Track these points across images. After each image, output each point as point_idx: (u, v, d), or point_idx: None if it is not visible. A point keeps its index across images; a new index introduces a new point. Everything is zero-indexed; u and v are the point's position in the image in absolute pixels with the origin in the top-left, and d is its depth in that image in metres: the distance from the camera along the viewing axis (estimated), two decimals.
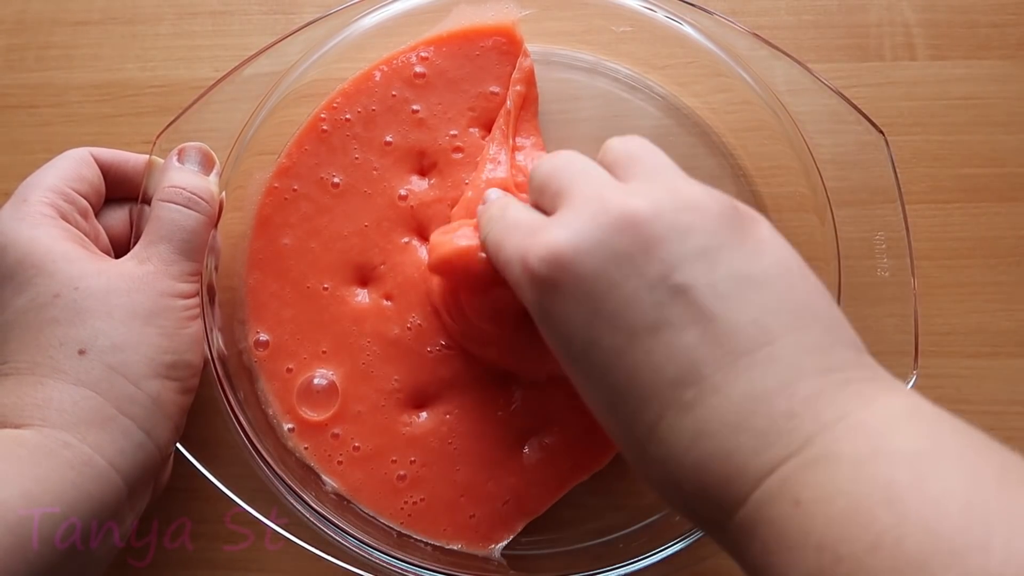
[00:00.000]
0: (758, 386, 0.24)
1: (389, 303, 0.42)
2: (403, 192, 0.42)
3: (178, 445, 0.37)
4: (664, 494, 0.27)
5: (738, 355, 0.25)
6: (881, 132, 0.40)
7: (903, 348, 0.38)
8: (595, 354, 0.26)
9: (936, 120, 0.46)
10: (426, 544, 0.40)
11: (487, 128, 0.43)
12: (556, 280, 0.27)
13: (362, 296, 0.42)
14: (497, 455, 0.40)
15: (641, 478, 0.28)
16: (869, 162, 0.40)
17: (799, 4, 0.47)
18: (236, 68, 0.40)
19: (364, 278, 0.42)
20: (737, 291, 0.25)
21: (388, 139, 0.43)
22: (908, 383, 0.38)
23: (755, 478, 0.23)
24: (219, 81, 0.40)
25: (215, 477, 0.37)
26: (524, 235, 0.29)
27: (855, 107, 0.40)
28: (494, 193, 0.36)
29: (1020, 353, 0.43)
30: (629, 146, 0.31)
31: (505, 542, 0.40)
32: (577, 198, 0.28)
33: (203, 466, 0.37)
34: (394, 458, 0.40)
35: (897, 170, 0.40)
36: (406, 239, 0.42)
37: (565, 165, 0.30)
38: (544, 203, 0.31)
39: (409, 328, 0.41)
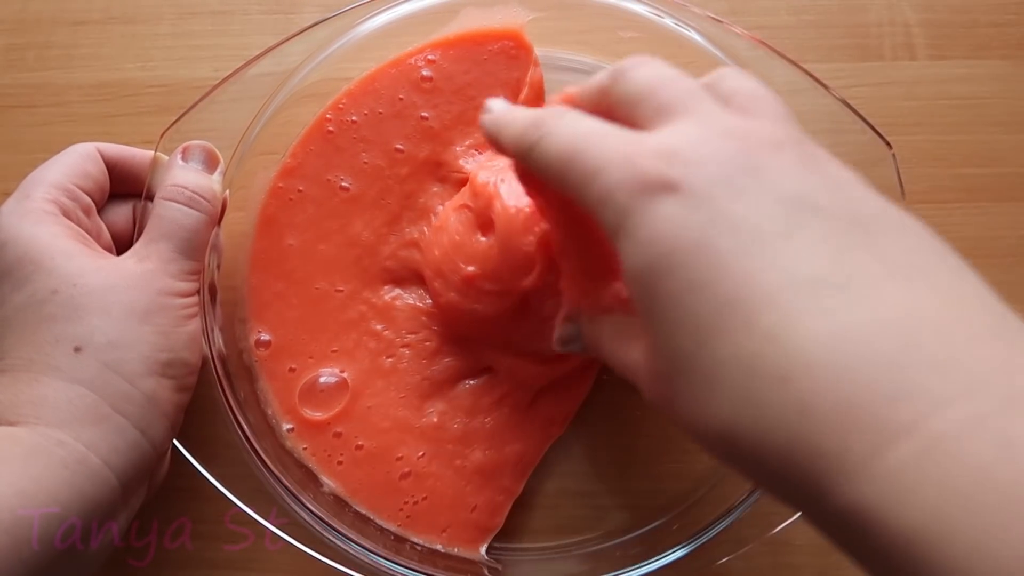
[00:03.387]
0: None
1: (410, 302, 0.43)
2: (424, 201, 0.43)
3: (177, 444, 0.37)
4: (756, 430, 0.22)
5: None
6: (888, 144, 0.40)
7: None
8: (705, 259, 0.23)
9: (936, 120, 0.46)
10: (421, 547, 0.40)
11: None
12: (675, 180, 0.24)
13: (379, 297, 0.42)
14: (507, 434, 0.41)
15: (719, 416, 0.23)
16: (869, 161, 0.40)
17: (799, 4, 0.47)
18: (242, 67, 0.40)
19: (382, 280, 0.42)
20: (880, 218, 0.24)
21: (399, 146, 0.43)
22: None
23: (938, 398, 0.19)
24: (224, 80, 0.40)
25: (214, 477, 0.37)
26: (624, 139, 0.26)
27: (862, 118, 0.40)
28: (499, 104, 0.31)
29: None
30: (752, 85, 0.28)
31: (493, 536, 0.40)
32: (693, 115, 0.26)
33: (202, 466, 0.37)
34: (400, 454, 0.40)
35: (899, 171, 0.40)
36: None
37: (675, 79, 0.27)
38: (640, 113, 0.27)
39: (427, 324, 0.42)
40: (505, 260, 0.37)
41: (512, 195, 0.37)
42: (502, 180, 0.38)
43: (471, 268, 0.39)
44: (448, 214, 0.41)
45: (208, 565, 0.42)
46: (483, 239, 0.39)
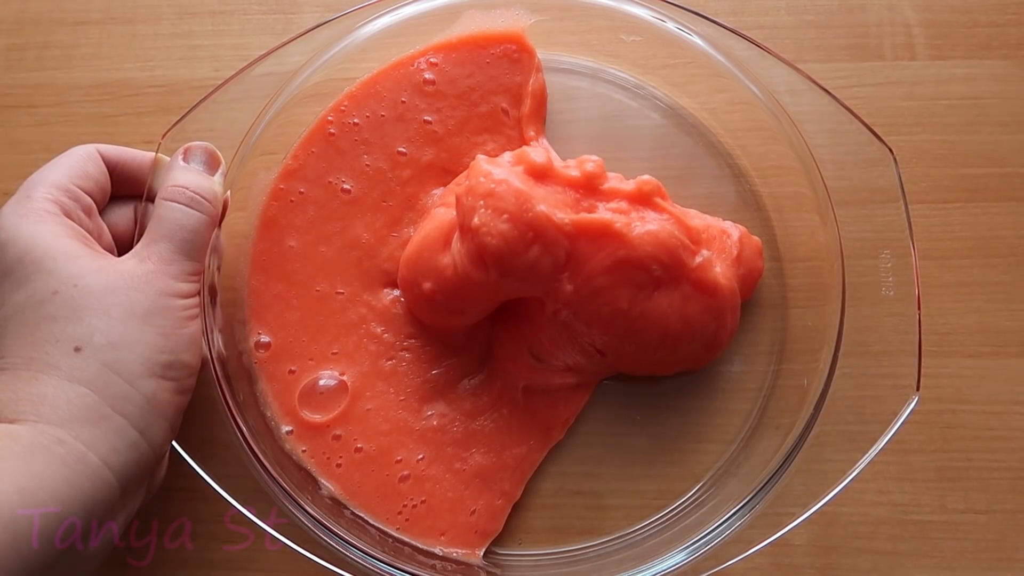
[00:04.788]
0: None
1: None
2: (425, 202, 0.43)
3: (176, 446, 0.37)
4: None
5: None
6: (890, 149, 0.40)
7: (904, 348, 0.38)
8: None
9: (936, 120, 0.46)
10: (418, 550, 0.40)
11: (501, 145, 0.44)
12: None
13: (380, 299, 0.42)
14: (508, 438, 0.41)
15: None
16: (869, 161, 0.40)
17: (799, 4, 0.47)
18: (244, 68, 0.40)
19: (382, 282, 0.42)
20: None
21: (401, 149, 0.43)
22: (910, 405, 0.37)
23: None
24: (227, 81, 0.40)
25: (213, 477, 0.37)
26: None
27: (866, 124, 0.40)
28: None
29: (1021, 353, 0.43)
30: None
31: (491, 540, 0.40)
32: None
33: (201, 466, 0.37)
34: (399, 457, 0.40)
35: (900, 171, 0.40)
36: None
37: None
38: None
39: (427, 327, 0.42)
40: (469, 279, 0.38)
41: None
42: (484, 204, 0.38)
43: (428, 285, 0.39)
44: (428, 222, 0.41)
45: (208, 565, 0.42)
46: (446, 259, 0.39)
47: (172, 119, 0.40)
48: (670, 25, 0.42)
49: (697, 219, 0.41)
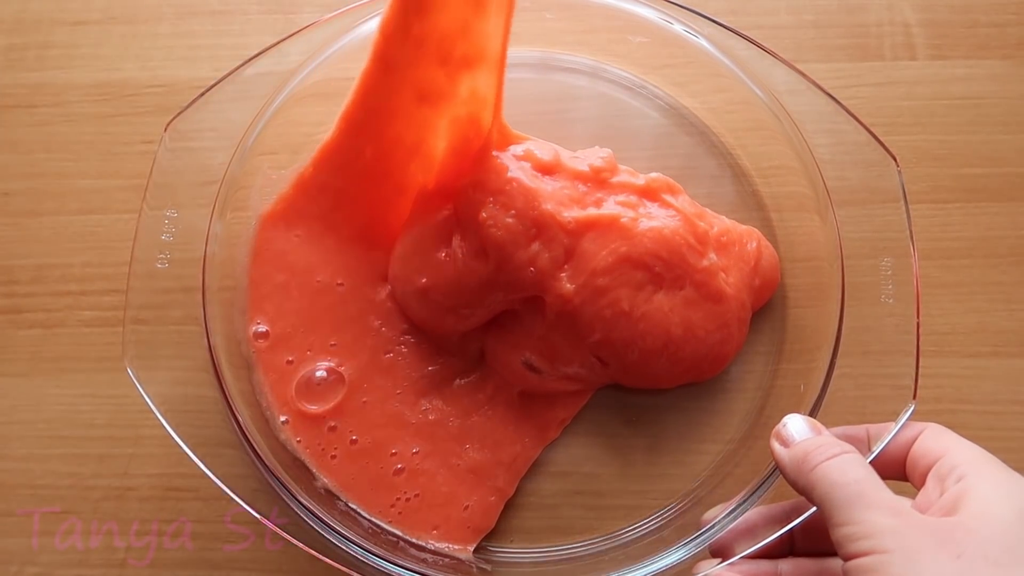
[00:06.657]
0: None
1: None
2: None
3: (180, 442, 0.37)
4: None
5: None
6: (893, 157, 0.40)
7: (903, 348, 0.38)
8: None
9: (936, 120, 0.46)
10: (410, 543, 0.40)
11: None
12: None
13: (379, 293, 0.42)
14: (503, 435, 0.41)
15: None
16: (869, 162, 0.40)
17: (799, 4, 0.47)
18: (239, 67, 0.40)
19: (382, 277, 0.42)
20: None
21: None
22: (906, 413, 0.37)
23: None
24: (221, 80, 0.40)
25: (216, 477, 0.37)
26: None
27: (870, 132, 0.40)
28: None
29: (1020, 353, 0.43)
30: None
31: (484, 536, 0.40)
32: None
33: (204, 465, 0.37)
34: (394, 450, 0.40)
35: (903, 180, 0.40)
36: None
37: None
38: None
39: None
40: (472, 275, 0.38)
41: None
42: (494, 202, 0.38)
43: (424, 280, 0.39)
44: (417, 217, 0.41)
45: (208, 565, 0.42)
46: (443, 254, 0.39)
47: (171, 119, 0.40)
48: (670, 25, 0.42)
49: (716, 221, 0.41)
